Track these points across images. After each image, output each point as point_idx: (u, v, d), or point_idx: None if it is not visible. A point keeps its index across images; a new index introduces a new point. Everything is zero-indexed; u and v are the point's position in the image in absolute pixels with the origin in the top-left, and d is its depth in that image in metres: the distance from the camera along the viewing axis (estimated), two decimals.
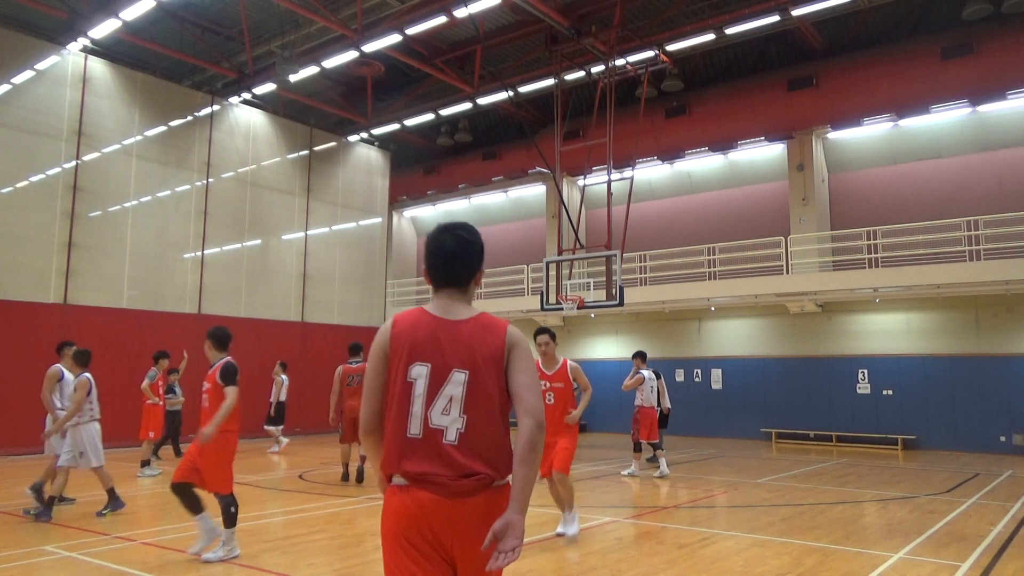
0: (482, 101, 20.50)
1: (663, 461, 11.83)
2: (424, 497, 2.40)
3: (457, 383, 2.48)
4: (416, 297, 25.72)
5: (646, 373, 12.20)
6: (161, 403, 11.97)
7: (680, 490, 10.45)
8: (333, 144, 22.53)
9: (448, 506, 2.38)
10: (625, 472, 12.06)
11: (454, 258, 2.82)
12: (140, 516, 8.32)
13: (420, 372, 2.50)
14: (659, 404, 12.57)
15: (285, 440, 15.97)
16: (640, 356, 12.39)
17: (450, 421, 2.45)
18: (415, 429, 2.46)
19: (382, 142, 23.99)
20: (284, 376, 16.22)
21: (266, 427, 16.05)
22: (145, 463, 11.56)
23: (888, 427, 17.26)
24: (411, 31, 15.98)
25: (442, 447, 2.43)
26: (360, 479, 10.84)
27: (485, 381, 2.50)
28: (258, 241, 20.09)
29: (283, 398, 16.08)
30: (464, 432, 2.44)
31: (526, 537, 6.20)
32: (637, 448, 12.16)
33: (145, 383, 11.74)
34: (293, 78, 17.93)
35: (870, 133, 18.99)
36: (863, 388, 17.75)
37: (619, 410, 21.31)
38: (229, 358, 6.41)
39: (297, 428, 20.40)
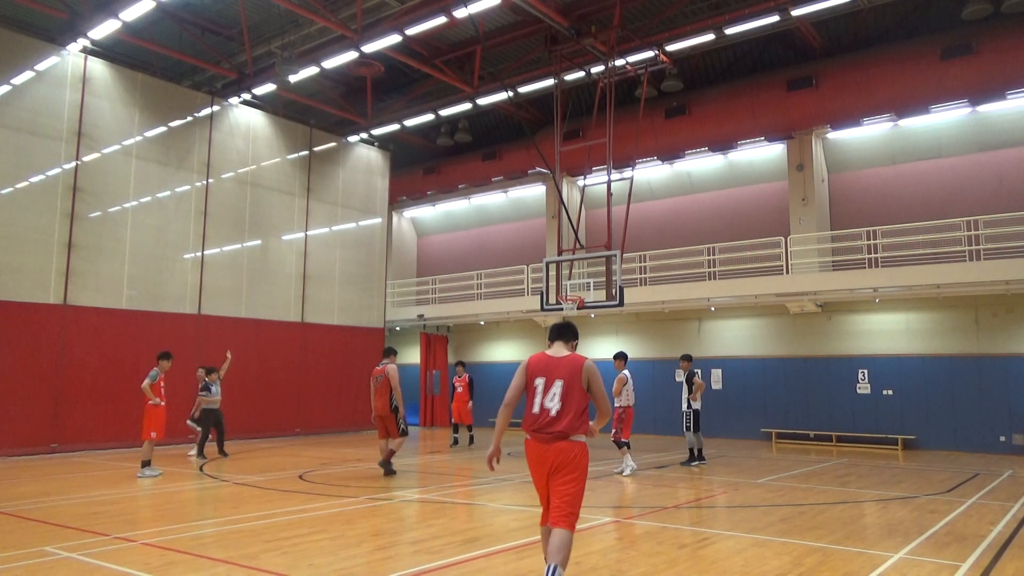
0: (482, 101, 20.50)
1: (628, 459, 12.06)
2: (535, 443, 4.99)
3: (558, 387, 4.94)
4: (416, 297, 25.74)
5: (626, 373, 12.39)
6: (162, 403, 11.86)
7: (680, 490, 10.45)
8: (333, 144, 22.53)
9: (546, 447, 4.91)
10: (620, 470, 12.01)
11: (561, 331, 5.33)
12: (140, 516, 8.32)
13: (539, 382, 5.02)
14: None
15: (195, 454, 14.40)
16: (622, 357, 12.59)
17: (553, 405, 4.91)
18: (535, 409, 4.99)
19: (382, 142, 23.99)
20: (206, 380, 14.59)
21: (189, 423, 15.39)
22: (146, 463, 11.54)
23: (888, 427, 17.26)
24: (411, 31, 15.98)
25: (547, 413, 4.92)
26: (386, 468, 11.57)
27: (572, 387, 4.94)
28: (258, 241, 20.09)
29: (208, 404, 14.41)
30: (555, 407, 4.90)
31: (527, 538, 6.26)
32: (622, 446, 12.16)
33: (146, 383, 11.65)
34: (293, 78, 17.93)
35: (870, 133, 19.00)
36: (863, 388, 17.76)
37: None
38: None
39: (297, 428, 20.41)
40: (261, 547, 6.59)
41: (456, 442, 17.09)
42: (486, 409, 24.57)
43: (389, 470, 11.58)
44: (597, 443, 18.55)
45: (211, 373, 14.49)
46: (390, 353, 12.02)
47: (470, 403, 17.14)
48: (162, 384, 11.87)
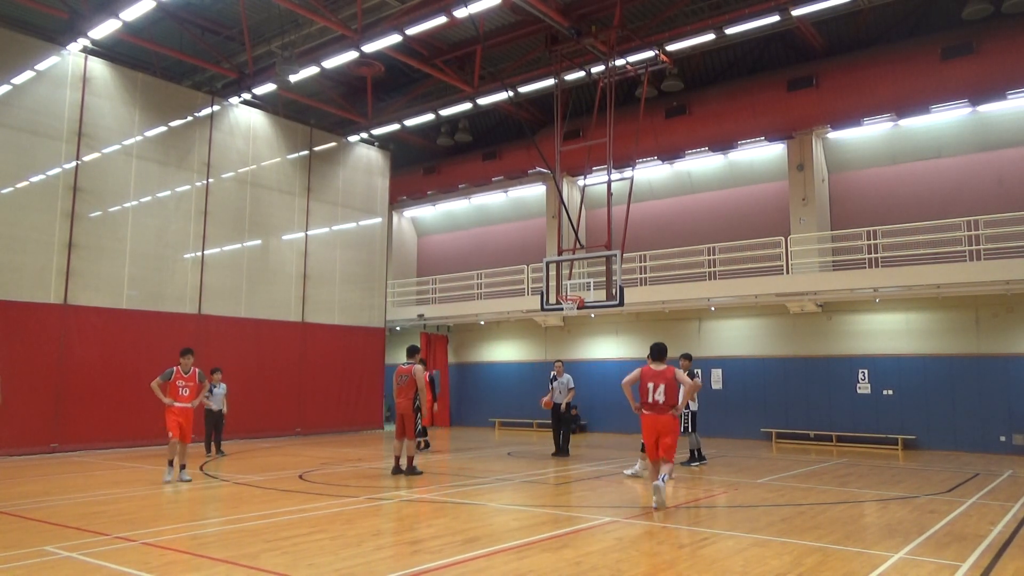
0: (482, 101, 20.49)
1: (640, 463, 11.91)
2: (651, 416, 8.94)
3: (660, 385, 8.90)
4: (416, 297, 25.74)
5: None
6: (177, 404, 10.85)
7: (680, 490, 10.45)
8: (333, 144, 22.53)
9: (656, 418, 8.88)
10: (630, 472, 11.97)
11: (659, 352, 9.20)
12: (140, 516, 8.32)
13: (650, 385, 8.97)
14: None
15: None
16: (687, 357, 13.02)
17: (659, 395, 8.86)
18: (649, 400, 8.91)
19: (382, 142, 23.99)
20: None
21: None
22: (170, 463, 10.98)
23: (888, 427, 17.26)
24: (411, 31, 15.97)
25: (657, 401, 8.86)
26: (411, 471, 11.53)
27: (669, 385, 8.89)
28: (258, 241, 20.09)
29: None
30: (662, 398, 8.85)
31: (527, 537, 6.29)
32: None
33: (154, 382, 10.86)
34: (293, 78, 17.92)
35: (870, 133, 18.99)
36: (863, 388, 17.76)
37: (619, 410, 21.33)
38: None
39: (297, 428, 20.42)
40: (261, 547, 6.59)
41: (427, 445, 16.30)
42: (487, 409, 24.60)
43: (414, 472, 11.57)
44: (599, 442, 18.59)
45: (214, 374, 14.54)
46: (415, 352, 11.96)
47: (434, 405, 16.04)
48: (181, 383, 10.85)
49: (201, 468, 12.84)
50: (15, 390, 14.96)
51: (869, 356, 17.82)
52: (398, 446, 11.72)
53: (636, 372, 9.18)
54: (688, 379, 11.88)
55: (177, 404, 10.83)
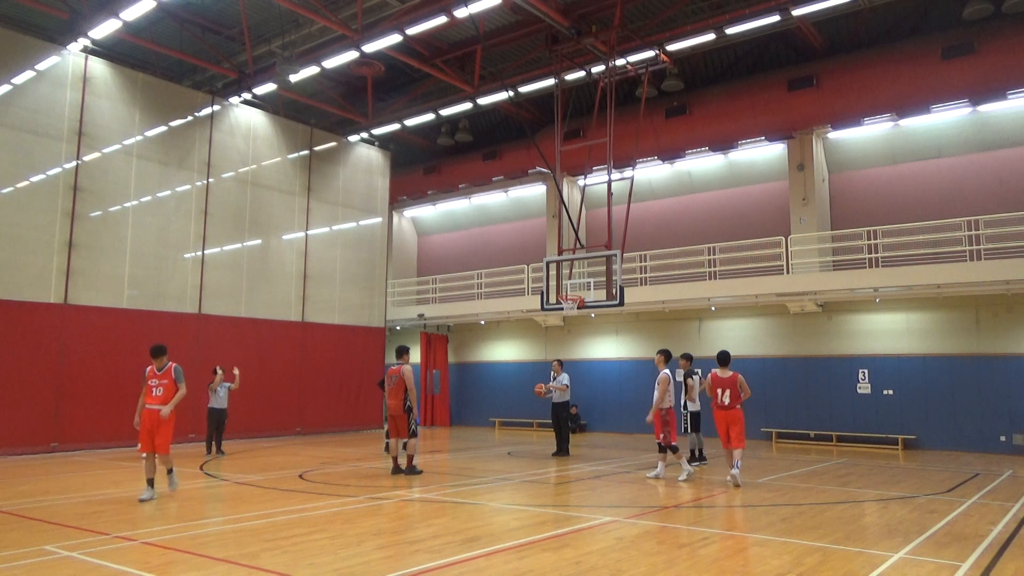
0: (482, 101, 20.49)
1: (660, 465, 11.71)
2: (721, 412, 10.80)
3: (728, 389, 10.73)
4: (416, 297, 25.73)
5: (667, 372, 11.87)
6: (147, 407, 9.86)
7: (680, 490, 10.45)
8: (333, 144, 22.53)
9: (726, 414, 10.75)
10: (652, 475, 11.75)
11: (725, 359, 11.05)
12: (140, 515, 8.32)
13: (719, 390, 10.80)
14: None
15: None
16: (676, 356, 12.57)
17: (727, 397, 10.73)
18: (718, 402, 10.80)
19: (382, 142, 23.99)
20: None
21: None
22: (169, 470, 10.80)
23: (888, 427, 17.26)
24: (411, 31, 15.98)
25: (724, 403, 10.74)
26: (411, 471, 11.57)
27: (733, 388, 10.73)
28: (258, 241, 20.10)
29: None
30: (728, 400, 10.72)
31: (527, 537, 6.32)
32: (676, 450, 11.77)
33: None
34: (293, 78, 17.93)
35: (870, 133, 18.99)
36: (863, 388, 17.76)
37: (619, 410, 21.34)
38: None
39: (298, 428, 20.42)
40: (261, 546, 6.59)
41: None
42: (487, 409, 24.60)
43: (414, 471, 11.62)
44: (599, 442, 18.59)
45: (215, 373, 14.62)
46: (403, 352, 11.97)
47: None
48: (154, 382, 9.39)
49: (201, 468, 12.84)
50: (15, 390, 15.01)
51: (869, 356, 17.82)
52: (394, 447, 11.76)
53: (709, 379, 11.08)
54: (667, 378, 11.77)
55: (146, 406, 9.30)
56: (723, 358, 11.00)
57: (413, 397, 11.67)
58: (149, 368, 9.46)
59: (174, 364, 9.58)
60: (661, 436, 11.41)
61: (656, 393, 11.39)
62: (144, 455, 9.20)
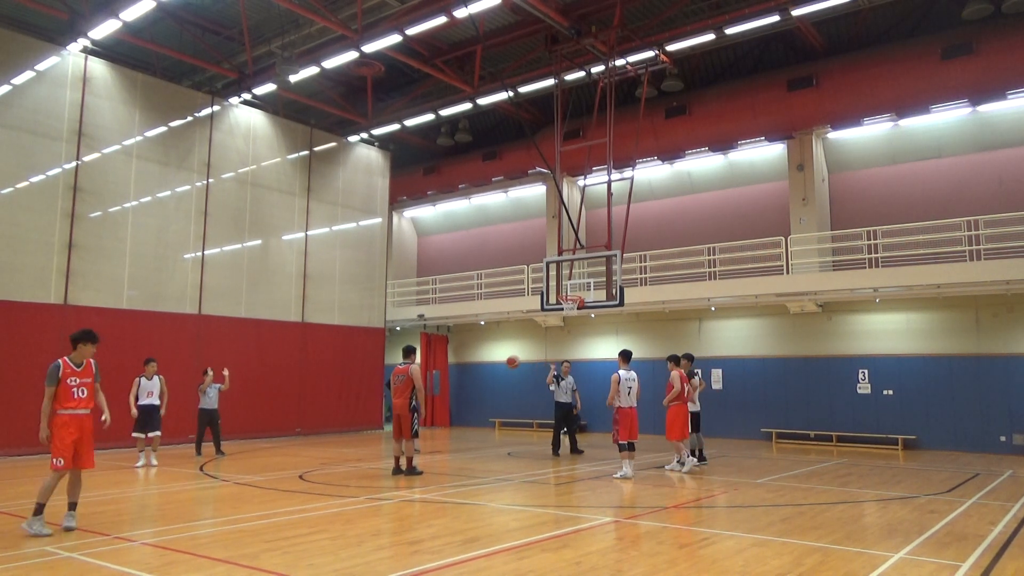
0: (482, 101, 20.49)
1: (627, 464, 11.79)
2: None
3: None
4: (416, 297, 25.73)
5: (620, 373, 12.02)
6: (64, 411, 9.12)
7: (680, 490, 10.45)
8: (333, 144, 22.53)
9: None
10: (619, 475, 11.85)
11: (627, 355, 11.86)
12: (140, 516, 8.32)
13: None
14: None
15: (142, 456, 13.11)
16: (623, 356, 12.33)
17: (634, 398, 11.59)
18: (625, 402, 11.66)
19: (382, 142, 23.99)
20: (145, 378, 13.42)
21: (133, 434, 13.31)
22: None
23: (888, 427, 17.25)
24: (411, 31, 15.98)
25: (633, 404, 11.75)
26: (411, 471, 11.56)
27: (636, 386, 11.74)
28: (258, 241, 20.09)
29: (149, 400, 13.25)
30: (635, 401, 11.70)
31: (527, 538, 6.45)
32: (622, 448, 11.87)
33: (45, 400, 7.44)
34: (293, 78, 17.93)
35: (870, 133, 18.99)
36: (863, 388, 17.75)
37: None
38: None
39: (298, 428, 20.42)
40: (261, 547, 6.59)
41: None
42: (487, 409, 24.60)
43: (414, 472, 11.63)
44: (600, 442, 18.58)
45: (205, 374, 14.67)
46: (411, 352, 11.97)
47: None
48: (74, 381, 7.36)
49: (202, 468, 12.84)
50: (15, 390, 15.00)
51: (869, 356, 17.81)
52: (397, 447, 11.76)
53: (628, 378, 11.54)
54: (616, 378, 11.90)
55: (68, 412, 7.27)
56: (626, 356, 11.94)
57: (421, 397, 11.72)
58: (62, 362, 7.38)
59: (92, 360, 7.64)
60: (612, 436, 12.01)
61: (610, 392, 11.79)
62: (57, 472, 7.26)
